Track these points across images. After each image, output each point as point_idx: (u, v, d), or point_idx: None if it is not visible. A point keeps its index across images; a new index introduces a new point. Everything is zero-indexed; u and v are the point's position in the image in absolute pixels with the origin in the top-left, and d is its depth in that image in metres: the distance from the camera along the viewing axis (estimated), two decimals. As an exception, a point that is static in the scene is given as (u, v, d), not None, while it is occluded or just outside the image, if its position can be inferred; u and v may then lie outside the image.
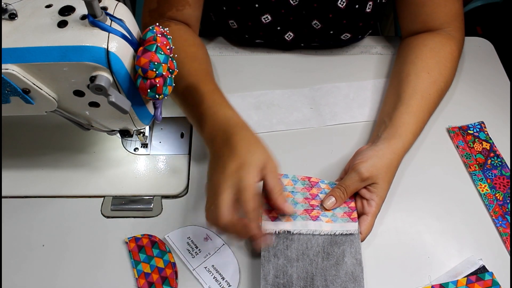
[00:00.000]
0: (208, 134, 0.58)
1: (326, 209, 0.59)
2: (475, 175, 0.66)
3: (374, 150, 0.60)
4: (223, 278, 0.57)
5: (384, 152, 0.60)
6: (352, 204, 0.60)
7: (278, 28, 0.75)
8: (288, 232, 0.56)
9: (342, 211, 0.59)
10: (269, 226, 0.56)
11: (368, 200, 0.59)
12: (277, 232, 0.56)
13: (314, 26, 0.74)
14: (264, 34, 0.77)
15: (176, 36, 0.67)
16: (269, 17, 0.73)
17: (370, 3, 0.72)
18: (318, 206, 0.59)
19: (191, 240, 0.60)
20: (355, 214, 0.59)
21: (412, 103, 0.65)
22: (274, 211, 0.57)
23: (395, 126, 0.63)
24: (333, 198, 0.59)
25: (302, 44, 0.80)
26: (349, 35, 0.76)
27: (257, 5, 0.72)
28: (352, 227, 0.57)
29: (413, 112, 0.64)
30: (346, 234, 0.56)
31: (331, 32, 0.75)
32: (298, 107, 0.74)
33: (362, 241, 0.57)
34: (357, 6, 0.71)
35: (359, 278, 0.54)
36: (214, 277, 0.57)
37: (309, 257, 0.55)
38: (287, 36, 0.77)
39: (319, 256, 0.55)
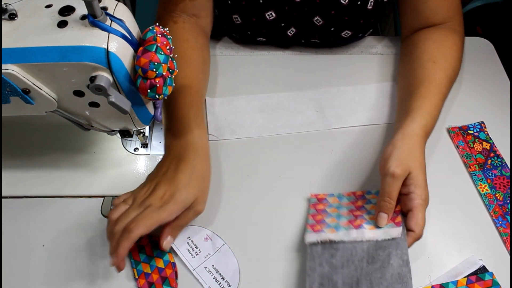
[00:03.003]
0: (169, 142, 0.61)
1: (370, 218, 0.57)
2: (475, 175, 0.66)
3: (391, 144, 0.59)
4: (223, 278, 0.57)
5: (401, 141, 0.58)
6: (397, 208, 0.57)
7: (282, 24, 0.75)
8: (332, 241, 0.55)
9: None
10: (312, 236, 0.56)
11: (406, 194, 0.56)
12: (319, 242, 0.56)
13: (316, 22, 0.75)
14: (267, 32, 0.77)
15: (178, 35, 0.67)
16: (273, 14, 0.73)
17: (372, 0, 0.72)
18: (362, 215, 0.58)
19: (191, 240, 0.60)
20: (399, 218, 0.56)
21: (421, 89, 0.65)
22: (319, 225, 0.57)
23: (406, 112, 0.63)
24: (383, 214, 0.55)
25: (303, 41, 0.80)
26: (349, 32, 0.76)
27: (261, 1, 0.72)
28: (396, 232, 0.55)
29: (422, 95, 0.64)
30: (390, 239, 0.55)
31: (332, 29, 0.75)
32: (303, 110, 0.73)
33: (419, 237, 0.55)
34: (359, 3, 0.72)
35: (406, 279, 0.52)
36: (214, 277, 0.57)
37: (354, 263, 0.54)
38: (290, 32, 0.77)
39: (364, 261, 0.54)
